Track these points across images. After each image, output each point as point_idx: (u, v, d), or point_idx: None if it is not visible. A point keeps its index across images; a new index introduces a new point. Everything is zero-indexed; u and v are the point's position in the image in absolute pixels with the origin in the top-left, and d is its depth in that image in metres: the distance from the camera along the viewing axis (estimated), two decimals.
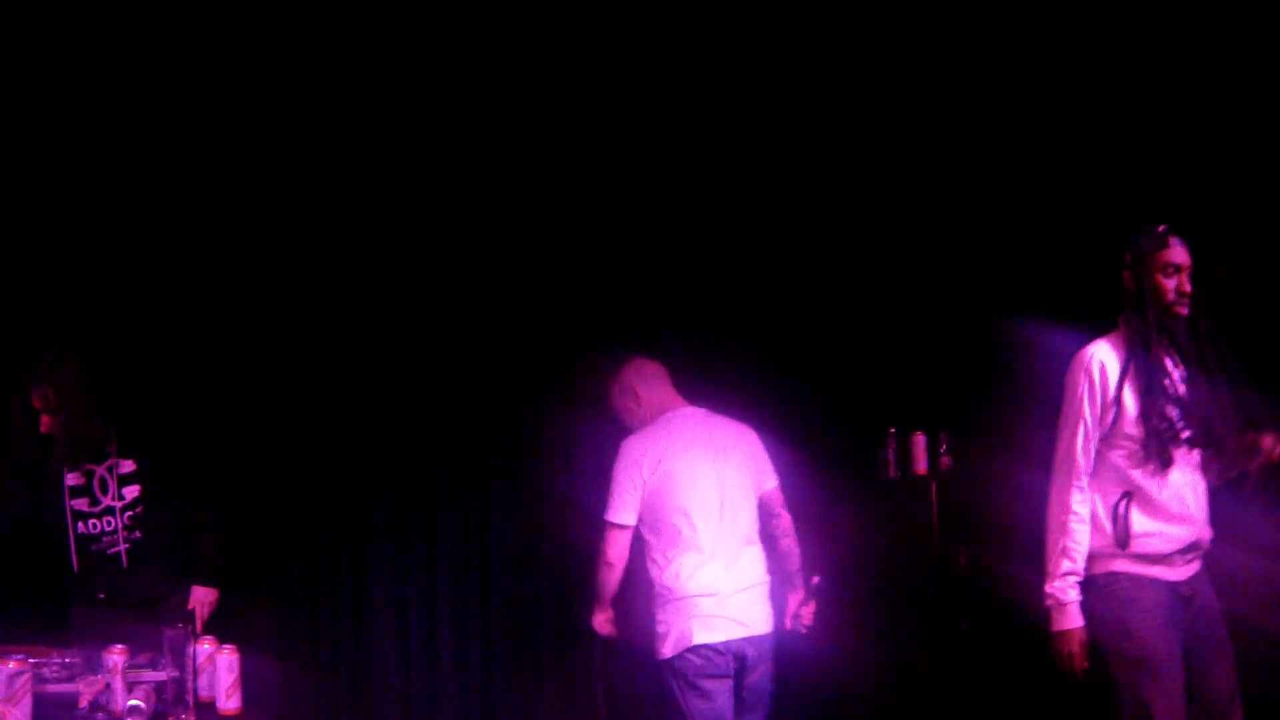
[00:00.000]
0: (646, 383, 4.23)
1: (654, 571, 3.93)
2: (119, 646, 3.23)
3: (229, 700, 3.31)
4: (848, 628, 5.45)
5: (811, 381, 5.70)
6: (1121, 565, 3.39)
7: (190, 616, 3.96)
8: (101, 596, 3.98)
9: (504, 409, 5.18)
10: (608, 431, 4.29)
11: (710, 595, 3.83)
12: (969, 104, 4.97)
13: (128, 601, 3.98)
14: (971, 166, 5.16)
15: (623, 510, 3.94)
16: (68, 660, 3.33)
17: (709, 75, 4.96)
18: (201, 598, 4.10)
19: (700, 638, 3.79)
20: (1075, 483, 3.43)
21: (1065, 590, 3.43)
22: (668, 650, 3.82)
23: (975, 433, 5.24)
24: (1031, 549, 4.98)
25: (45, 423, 3.80)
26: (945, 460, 5.22)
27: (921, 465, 5.24)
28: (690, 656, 3.78)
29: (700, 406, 4.21)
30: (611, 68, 4.88)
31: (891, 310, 5.62)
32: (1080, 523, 3.42)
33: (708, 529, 3.90)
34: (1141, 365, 3.38)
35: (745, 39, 4.80)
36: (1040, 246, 5.00)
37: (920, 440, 5.26)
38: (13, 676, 2.90)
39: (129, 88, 4.53)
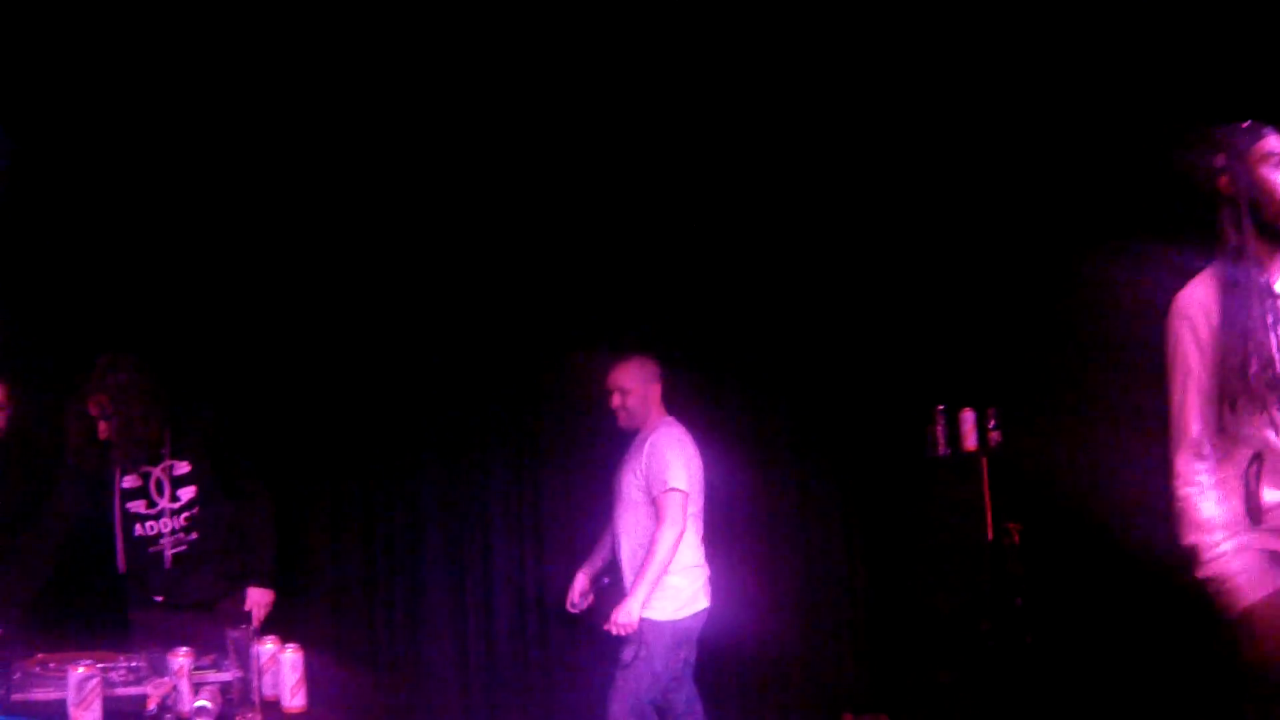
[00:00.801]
0: (660, 382, 4.52)
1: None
2: (184, 649, 3.24)
3: (294, 699, 3.32)
4: (901, 607, 5.45)
5: (858, 359, 5.69)
6: (1254, 541, 2.81)
7: (248, 618, 3.97)
8: (159, 599, 4.00)
9: (553, 401, 5.19)
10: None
11: (703, 569, 4.33)
12: (1018, 68, 4.91)
13: (184, 603, 4.00)
14: (1020, 137, 5.11)
15: (687, 482, 4.23)
16: (134, 664, 3.35)
17: (727, 54, 4.94)
18: (258, 599, 4.11)
19: (703, 603, 4.26)
20: (1190, 449, 2.92)
21: (1221, 564, 2.82)
22: (681, 611, 4.19)
23: (1025, 408, 5.19)
24: (1085, 524, 5.00)
25: (102, 429, 3.83)
26: (995, 436, 5.19)
27: (971, 442, 5.21)
28: (697, 619, 4.24)
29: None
30: (618, 56, 4.87)
31: (938, 285, 5.59)
32: (1202, 493, 2.88)
33: (701, 517, 4.37)
34: (1247, 292, 2.83)
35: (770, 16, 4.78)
36: (1089, 218, 4.95)
37: (969, 416, 5.23)
38: (83, 681, 2.93)
39: (162, 92, 4.57)
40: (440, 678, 4.96)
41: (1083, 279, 5.02)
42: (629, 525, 4.32)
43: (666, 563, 4.15)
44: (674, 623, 4.18)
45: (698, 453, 4.37)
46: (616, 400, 4.45)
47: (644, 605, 4.12)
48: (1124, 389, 4.92)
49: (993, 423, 5.19)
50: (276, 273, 4.88)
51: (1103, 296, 4.95)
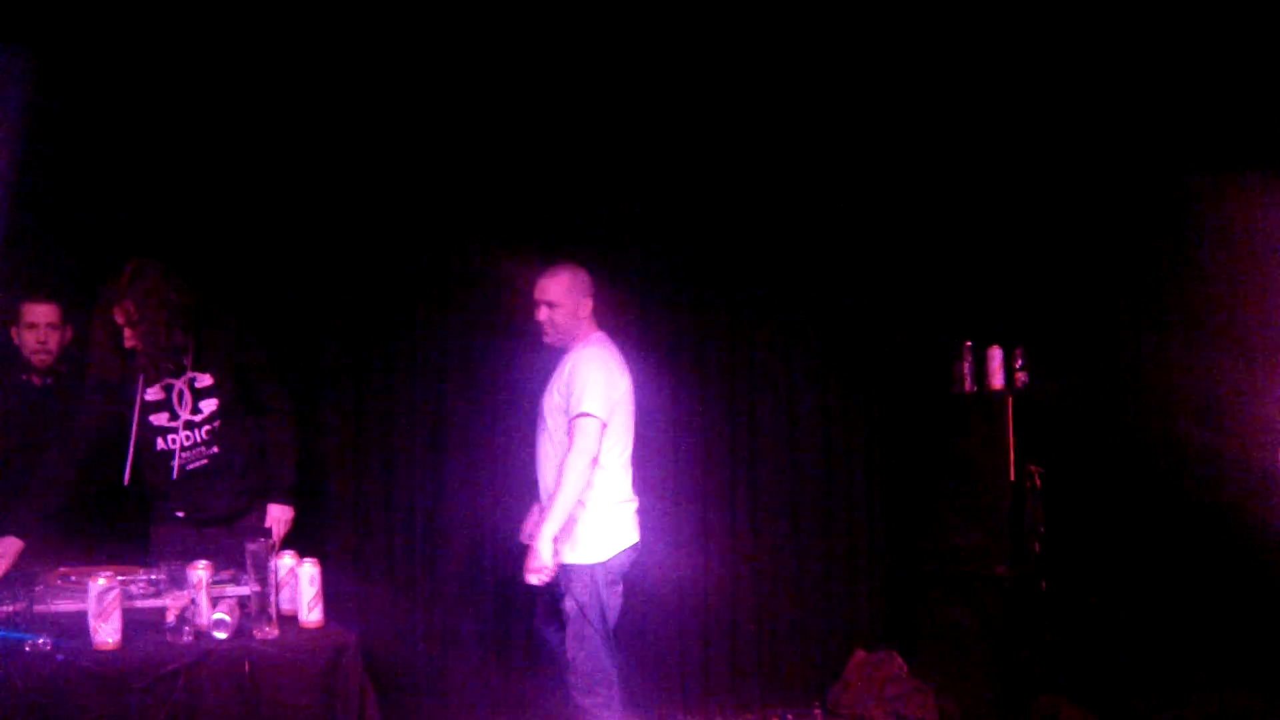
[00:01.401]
0: (592, 297, 4.16)
1: (598, 475, 3.97)
2: (203, 562, 3.27)
3: (311, 613, 3.35)
4: (918, 544, 5.46)
5: (888, 291, 5.64)
6: None
7: (268, 533, 3.93)
8: (180, 515, 3.99)
9: None
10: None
11: (632, 502, 4.12)
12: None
13: (205, 518, 3.99)
14: (1055, 77, 5.02)
15: (605, 408, 3.95)
16: (154, 577, 3.38)
17: None
18: (278, 515, 4.08)
19: (634, 537, 4.07)
20: None
21: None
22: (607, 551, 3.97)
23: (1054, 348, 5.15)
24: (1109, 471, 4.97)
25: (127, 336, 3.77)
26: (1021, 375, 5.14)
27: (998, 380, 5.17)
28: (628, 555, 4.04)
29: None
30: None
31: (967, 220, 5.53)
32: None
33: (629, 445, 4.11)
34: None
35: None
36: (1126, 156, 4.87)
37: (996, 354, 5.18)
38: (102, 593, 2.96)
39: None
40: (456, 594, 4.99)
41: (1119, 220, 4.97)
42: (547, 453, 4.07)
43: (575, 496, 3.88)
44: (604, 564, 3.96)
45: (627, 374, 4.10)
46: (543, 314, 4.07)
47: (560, 546, 3.88)
48: (1155, 335, 4.88)
49: (1020, 362, 5.14)
50: (301, 184, 4.82)
51: (1139, 239, 4.90)
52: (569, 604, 3.94)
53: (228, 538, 3.84)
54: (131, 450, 3.90)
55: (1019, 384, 5.12)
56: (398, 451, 4.98)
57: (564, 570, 3.92)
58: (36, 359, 4.18)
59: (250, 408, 4.07)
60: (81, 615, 3.01)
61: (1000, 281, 5.47)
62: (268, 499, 4.08)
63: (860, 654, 5.41)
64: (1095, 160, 5.08)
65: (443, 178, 5.03)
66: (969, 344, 5.26)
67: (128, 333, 3.75)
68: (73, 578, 3.33)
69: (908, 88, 5.42)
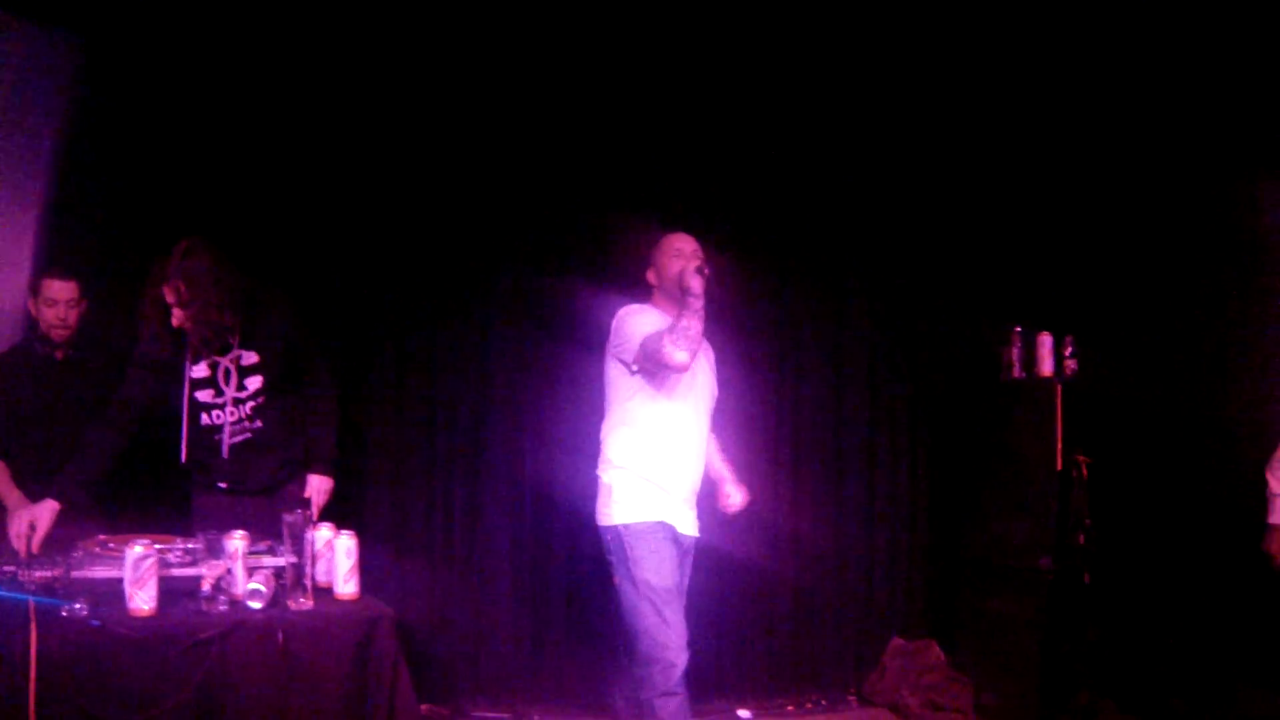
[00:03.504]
0: None
1: (626, 434, 3.91)
2: (240, 532, 3.29)
3: (346, 585, 3.36)
4: (961, 533, 5.40)
5: (934, 277, 5.58)
6: None
7: (307, 504, 4.00)
8: (222, 485, 4.02)
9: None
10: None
11: (665, 491, 3.92)
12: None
13: (247, 489, 4.02)
14: (1115, 64, 4.93)
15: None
16: (191, 546, 3.39)
17: None
18: (318, 486, 4.12)
19: (669, 517, 3.88)
20: None
21: (1276, 481, 3.25)
22: (628, 514, 3.82)
23: (1104, 336, 5.06)
24: (1158, 460, 4.89)
25: (177, 315, 3.78)
26: (1071, 363, 5.06)
27: (1046, 367, 5.09)
28: (660, 528, 3.85)
29: None
30: None
31: (1020, 204, 5.45)
32: None
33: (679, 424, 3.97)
34: None
35: None
36: (1182, 147, 4.78)
37: (1046, 341, 5.10)
38: (139, 560, 2.98)
39: None
40: (494, 573, 4.99)
41: (1175, 208, 4.88)
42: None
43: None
44: (629, 527, 3.83)
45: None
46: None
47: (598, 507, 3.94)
48: (1208, 326, 4.79)
49: (1070, 349, 5.06)
50: (346, 163, 4.83)
51: (1195, 227, 4.81)
52: (610, 565, 3.86)
53: (268, 508, 3.86)
54: (185, 428, 3.93)
55: (1068, 372, 5.04)
56: (439, 430, 4.98)
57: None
58: (55, 334, 4.20)
59: (295, 385, 4.11)
60: (118, 582, 3.02)
61: (1052, 267, 5.39)
62: (309, 469, 4.12)
63: (898, 642, 5.37)
64: (1151, 147, 4.99)
65: (490, 166, 5.03)
66: (1018, 330, 5.18)
67: (176, 312, 3.77)
68: (110, 545, 3.34)
69: (963, 72, 5.34)
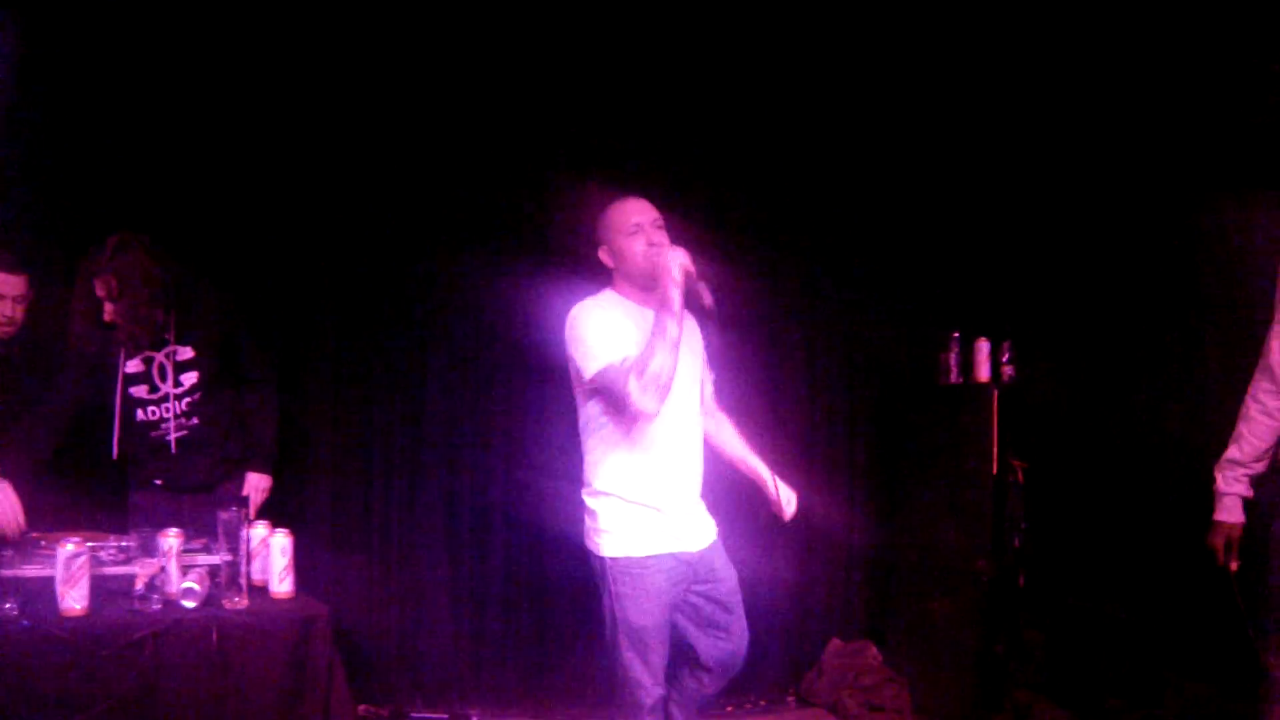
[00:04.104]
0: None
1: (612, 457, 3.39)
2: (174, 530, 3.27)
3: (282, 583, 3.34)
4: (898, 536, 5.44)
5: (875, 282, 5.62)
6: None
7: (244, 502, 3.97)
8: (158, 482, 3.99)
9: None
10: None
11: (657, 510, 3.42)
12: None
13: (183, 486, 3.99)
14: (1053, 70, 5.00)
15: None
16: (124, 543, 3.36)
17: None
18: (256, 484, 4.12)
19: (664, 546, 3.41)
20: (1263, 374, 3.23)
21: (1223, 480, 3.27)
22: (615, 548, 3.35)
23: (1042, 343, 5.13)
24: (1093, 463, 4.96)
25: (108, 310, 3.77)
26: (1008, 368, 5.12)
27: (983, 372, 5.15)
28: (656, 561, 3.37)
29: None
30: None
31: (959, 211, 5.51)
32: (1260, 413, 3.23)
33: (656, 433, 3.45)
34: None
35: None
36: (1118, 154, 4.85)
37: (983, 346, 5.16)
38: (70, 559, 2.94)
39: None
40: (431, 571, 4.98)
41: (1110, 215, 4.96)
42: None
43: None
44: (616, 561, 3.34)
45: None
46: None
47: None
48: (1144, 332, 4.87)
49: (1007, 355, 5.12)
50: (278, 159, 4.79)
51: (1131, 234, 4.89)
52: (596, 587, 3.44)
53: (206, 505, 3.82)
54: (118, 424, 3.89)
55: (1005, 377, 5.10)
56: (376, 428, 4.97)
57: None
58: (1, 330, 4.05)
59: (232, 379, 4.08)
60: (49, 581, 2.99)
61: (990, 274, 5.45)
62: (247, 467, 4.10)
63: (836, 643, 5.41)
64: (1087, 155, 5.07)
65: (424, 141, 5.01)
66: (956, 335, 5.24)
67: (108, 306, 3.74)
68: (42, 543, 3.30)
69: (900, 82, 5.38)
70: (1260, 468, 3.26)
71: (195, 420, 3.96)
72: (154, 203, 4.48)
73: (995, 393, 4.96)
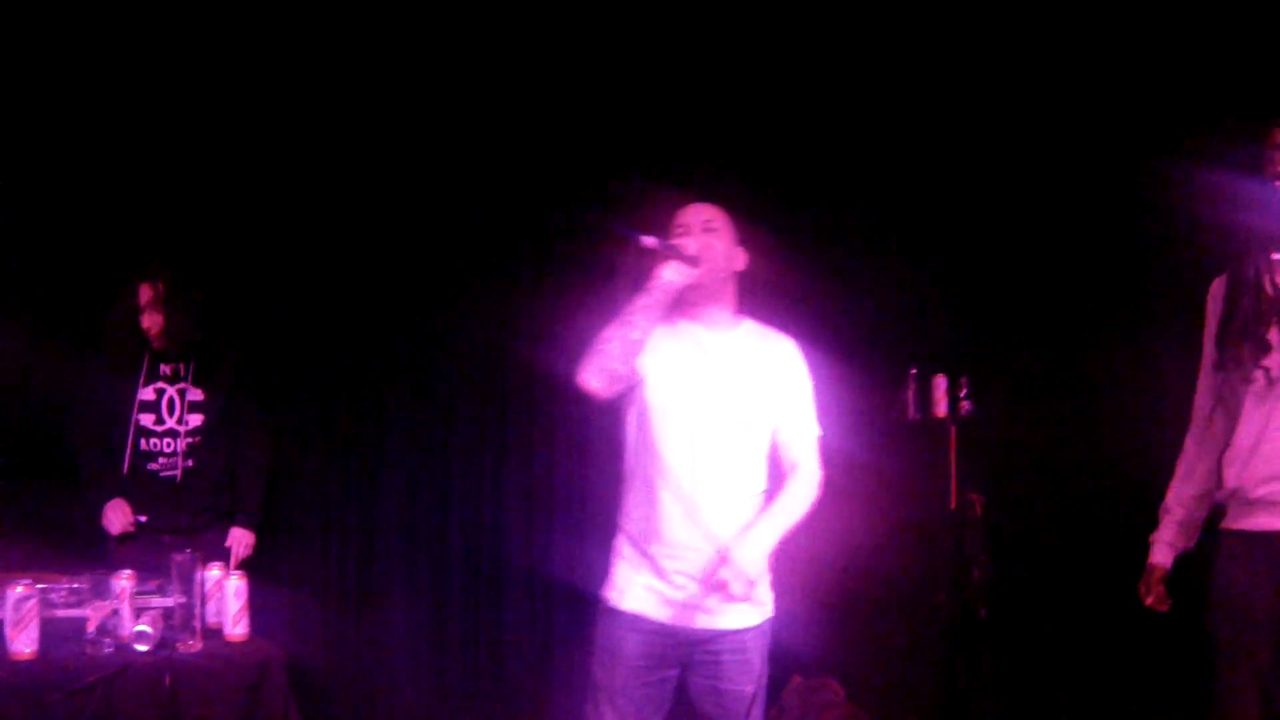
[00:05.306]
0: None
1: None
2: (127, 572, 3.23)
3: (236, 626, 3.31)
4: (858, 569, 5.44)
5: (833, 320, 5.63)
6: (1231, 521, 3.01)
7: (226, 554, 4.06)
8: (143, 519, 4.03)
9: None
10: None
11: (657, 579, 2.97)
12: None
13: (167, 527, 4.03)
14: (1001, 107, 5.06)
15: None
16: (76, 585, 3.32)
17: None
18: (240, 538, 4.19)
19: (655, 612, 2.97)
20: (1194, 421, 3.14)
21: (1159, 525, 3.21)
22: (618, 596, 2.96)
23: (999, 379, 5.17)
24: (1050, 497, 4.99)
25: (146, 319, 3.95)
26: (965, 404, 5.15)
27: (941, 408, 5.17)
28: (643, 624, 2.96)
29: None
30: None
31: (915, 250, 5.55)
32: (1188, 460, 3.15)
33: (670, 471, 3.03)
34: (1247, 265, 2.93)
35: None
36: (1062, 188, 4.91)
37: (941, 382, 5.19)
38: (19, 601, 2.90)
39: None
40: (389, 612, 4.93)
41: (1066, 252, 5.01)
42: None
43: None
44: (621, 613, 2.94)
45: None
46: (698, 245, 2.89)
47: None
48: (1099, 368, 4.92)
49: (964, 391, 5.15)
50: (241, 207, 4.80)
51: (1086, 271, 4.94)
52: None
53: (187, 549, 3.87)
54: (131, 439, 4.02)
55: (963, 412, 5.13)
56: (334, 469, 4.93)
57: None
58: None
59: (230, 435, 4.19)
60: None
61: (946, 310, 5.49)
62: (233, 521, 4.18)
63: (797, 679, 5.39)
64: (1043, 191, 5.12)
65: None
66: (914, 372, 5.27)
67: (148, 313, 3.95)
68: None
69: (854, 122, 5.42)
70: (1190, 514, 3.17)
71: (190, 463, 4.05)
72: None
73: (953, 428, 4.99)
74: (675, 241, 2.81)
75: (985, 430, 5.05)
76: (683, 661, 2.91)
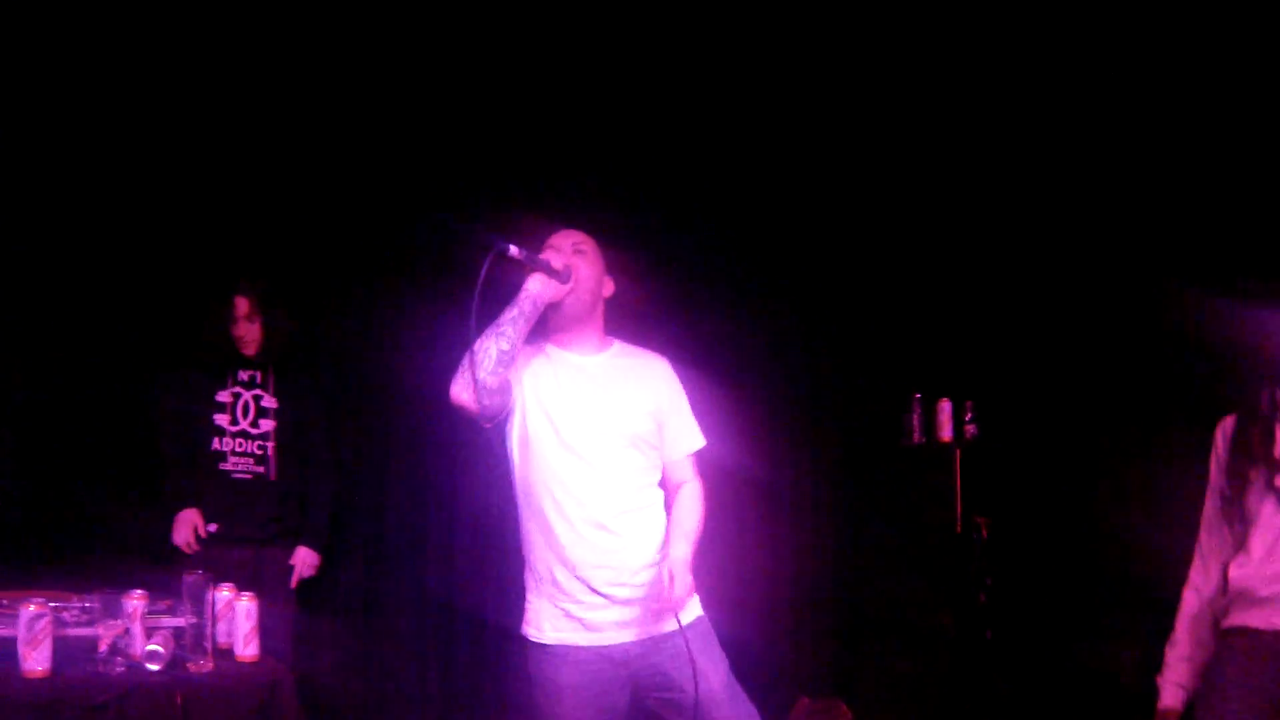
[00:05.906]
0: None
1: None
2: (139, 591, 3.24)
3: (247, 647, 3.31)
4: (865, 593, 5.45)
5: (838, 344, 5.66)
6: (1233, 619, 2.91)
7: (289, 571, 4.25)
8: (213, 529, 4.16)
9: None
10: None
11: (574, 600, 2.96)
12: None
13: (233, 536, 4.16)
14: (1004, 134, 5.08)
15: None
16: (87, 605, 3.33)
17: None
18: (305, 558, 4.33)
19: (577, 637, 2.97)
20: (1196, 551, 3.03)
21: (1165, 663, 3.07)
22: (536, 629, 2.96)
23: (1003, 402, 5.18)
24: (1056, 521, 5.00)
25: (241, 328, 4.16)
26: (970, 428, 5.18)
27: (946, 432, 5.20)
28: (570, 652, 2.95)
29: None
30: None
31: (921, 273, 5.57)
32: (1190, 590, 3.02)
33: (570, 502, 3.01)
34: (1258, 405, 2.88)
35: None
36: (1073, 212, 4.93)
37: (946, 407, 5.22)
38: (33, 620, 2.91)
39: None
40: (397, 634, 4.94)
41: (1073, 276, 5.02)
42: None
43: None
44: (542, 647, 2.94)
45: None
46: (566, 260, 2.84)
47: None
48: (1105, 393, 4.92)
49: (969, 415, 5.18)
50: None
51: (1094, 295, 4.94)
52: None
53: (254, 560, 4.17)
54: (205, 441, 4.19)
55: (968, 436, 5.15)
56: (345, 481, 4.93)
57: None
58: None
59: (301, 453, 4.35)
60: (11, 642, 2.95)
61: (952, 334, 5.51)
62: (299, 540, 4.33)
63: (805, 702, 5.38)
64: (1049, 215, 5.14)
65: None
66: (918, 396, 5.30)
67: (240, 324, 4.16)
68: (4, 601, 3.27)
69: (862, 141, 5.45)
70: (1197, 654, 3.03)
71: (261, 469, 4.20)
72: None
73: (958, 452, 5.01)
74: (542, 255, 2.81)
75: (992, 453, 5.07)
76: (629, 686, 2.91)
